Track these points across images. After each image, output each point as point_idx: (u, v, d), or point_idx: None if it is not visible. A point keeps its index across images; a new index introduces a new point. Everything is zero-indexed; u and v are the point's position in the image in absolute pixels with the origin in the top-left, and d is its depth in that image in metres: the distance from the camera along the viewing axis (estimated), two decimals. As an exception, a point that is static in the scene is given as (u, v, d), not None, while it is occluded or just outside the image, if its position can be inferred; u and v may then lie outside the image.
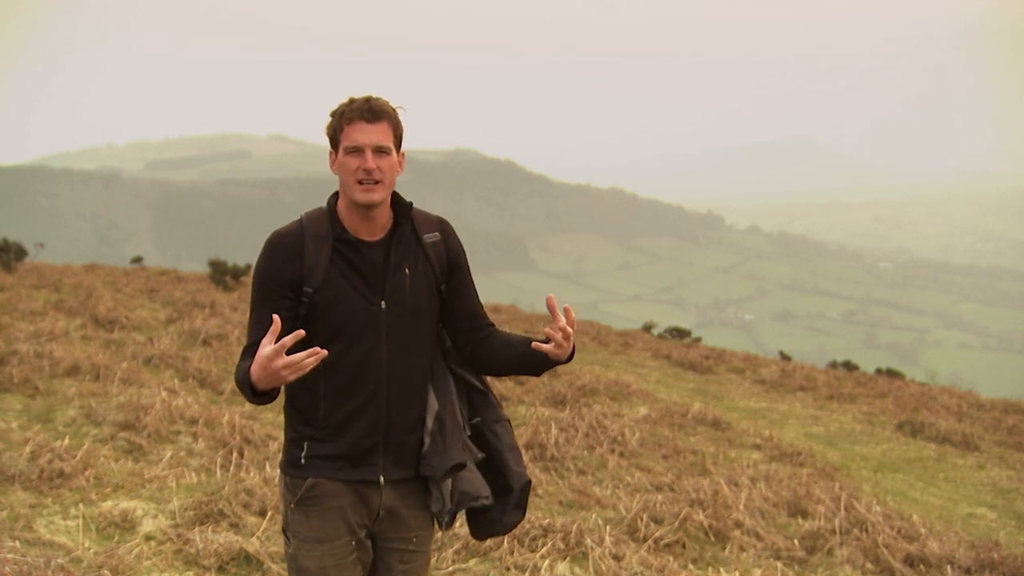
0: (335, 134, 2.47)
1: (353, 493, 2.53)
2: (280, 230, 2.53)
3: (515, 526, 2.69)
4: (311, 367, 2.26)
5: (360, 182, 2.43)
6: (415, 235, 2.58)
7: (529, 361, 2.56)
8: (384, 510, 2.57)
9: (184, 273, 19.33)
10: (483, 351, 2.66)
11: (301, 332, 2.26)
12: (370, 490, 2.55)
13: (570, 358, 2.51)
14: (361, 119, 2.42)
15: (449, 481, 2.59)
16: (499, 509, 2.65)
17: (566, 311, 2.45)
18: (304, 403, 2.52)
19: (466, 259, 2.68)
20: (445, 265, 2.61)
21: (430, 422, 2.58)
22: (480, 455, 2.63)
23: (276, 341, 2.25)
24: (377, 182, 2.44)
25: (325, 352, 2.29)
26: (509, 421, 2.76)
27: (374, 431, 2.53)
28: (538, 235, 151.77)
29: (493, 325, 2.72)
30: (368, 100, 2.44)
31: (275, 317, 2.27)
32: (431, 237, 2.59)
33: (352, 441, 2.51)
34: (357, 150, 2.43)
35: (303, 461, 2.51)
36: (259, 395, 2.35)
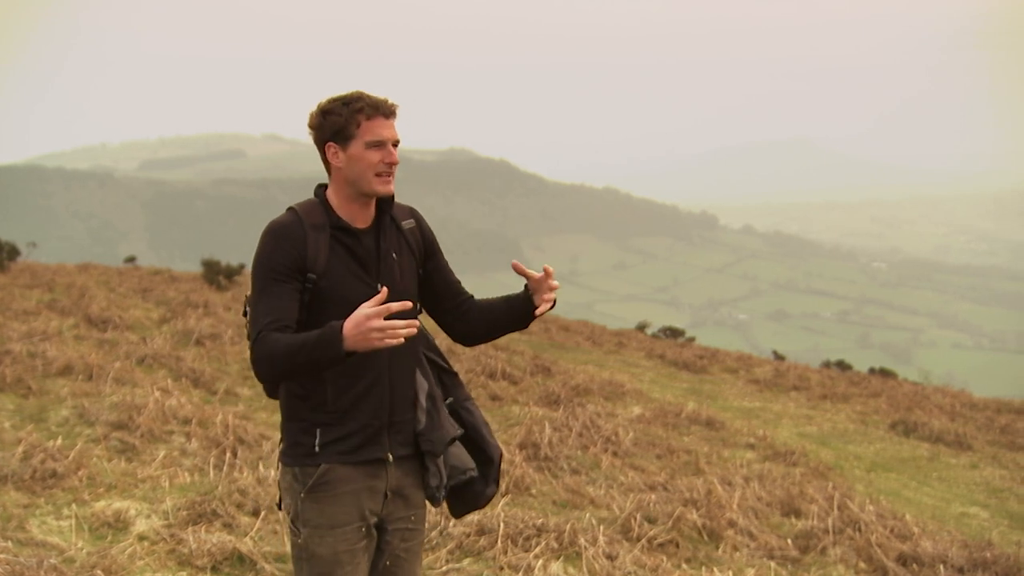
0: (347, 127, 2.53)
1: (364, 478, 2.59)
2: (279, 220, 2.56)
3: (491, 498, 2.85)
4: (403, 338, 2.29)
5: (379, 174, 2.56)
6: (394, 223, 2.71)
7: (516, 314, 2.74)
8: (391, 491, 2.65)
9: (178, 273, 19.28)
10: (471, 321, 2.82)
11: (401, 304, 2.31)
12: (378, 472, 2.62)
13: (552, 306, 2.72)
14: (380, 115, 2.54)
15: (442, 456, 2.72)
16: (482, 481, 2.80)
17: (546, 271, 2.66)
18: (311, 390, 2.57)
19: (437, 241, 2.82)
20: (422, 249, 2.77)
21: (423, 400, 2.71)
22: (460, 431, 2.77)
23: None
24: (392, 174, 2.60)
25: (418, 323, 2.42)
26: (474, 400, 2.92)
27: (380, 412, 2.61)
28: (532, 235, 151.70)
29: (472, 296, 2.87)
30: (376, 97, 2.55)
31: (384, 289, 2.33)
32: (408, 224, 2.74)
33: (362, 423, 2.59)
34: (381, 144, 2.54)
35: (317, 449, 2.56)
36: (336, 359, 2.31)
